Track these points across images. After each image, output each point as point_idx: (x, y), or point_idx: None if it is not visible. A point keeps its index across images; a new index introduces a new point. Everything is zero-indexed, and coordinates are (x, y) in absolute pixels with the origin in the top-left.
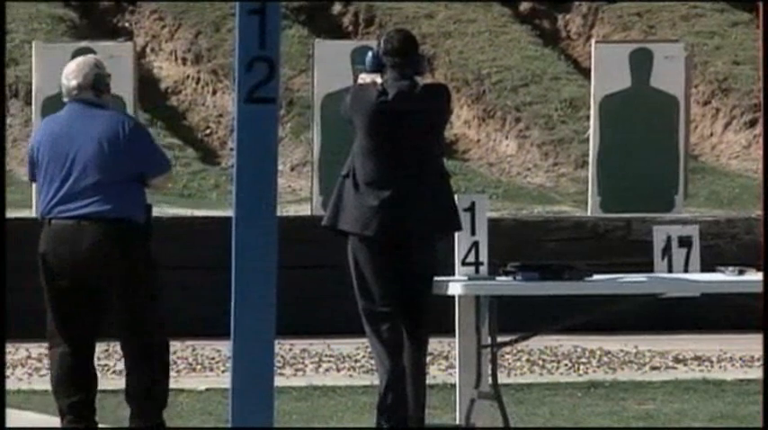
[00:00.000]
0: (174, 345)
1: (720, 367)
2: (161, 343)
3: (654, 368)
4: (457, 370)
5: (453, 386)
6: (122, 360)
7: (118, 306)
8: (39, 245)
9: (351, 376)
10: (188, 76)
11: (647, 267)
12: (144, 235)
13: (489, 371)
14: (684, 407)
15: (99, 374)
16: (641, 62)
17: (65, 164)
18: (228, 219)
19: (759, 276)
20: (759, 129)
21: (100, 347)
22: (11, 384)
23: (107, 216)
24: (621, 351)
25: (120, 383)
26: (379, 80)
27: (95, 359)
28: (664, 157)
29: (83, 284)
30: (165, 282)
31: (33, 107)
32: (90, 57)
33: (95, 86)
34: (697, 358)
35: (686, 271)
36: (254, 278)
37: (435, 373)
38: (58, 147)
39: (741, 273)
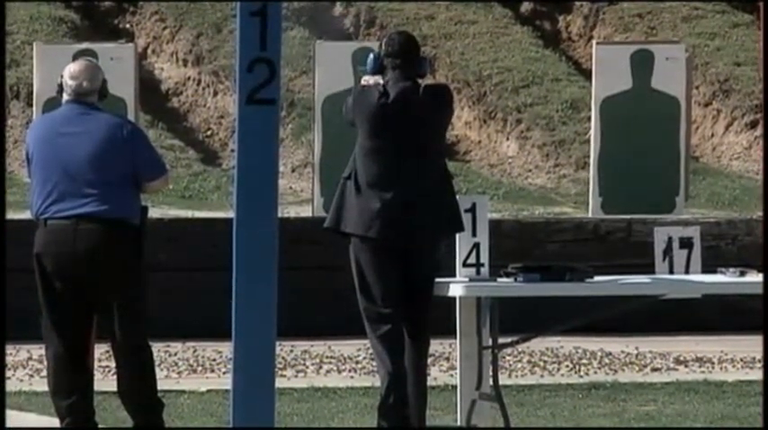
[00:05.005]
0: (176, 347)
1: (721, 368)
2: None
3: (655, 369)
4: (458, 371)
5: (454, 387)
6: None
7: (111, 306)
8: (33, 245)
9: (352, 377)
10: (189, 78)
11: (649, 268)
12: (139, 236)
13: (490, 373)
14: (685, 409)
15: (100, 375)
16: (642, 63)
17: (61, 163)
18: (229, 220)
19: (760, 277)
20: (760, 130)
21: (100, 349)
22: (12, 385)
23: (104, 216)
24: (622, 352)
25: None
26: (380, 82)
27: (96, 361)
28: (665, 159)
29: (78, 284)
30: (166, 284)
31: (34, 108)
32: (94, 61)
33: (101, 91)
34: (698, 359)
35: (687, 272)
36: (254, 279)
37: (436, 375)
38: (54, 146)
39: (742, 274)
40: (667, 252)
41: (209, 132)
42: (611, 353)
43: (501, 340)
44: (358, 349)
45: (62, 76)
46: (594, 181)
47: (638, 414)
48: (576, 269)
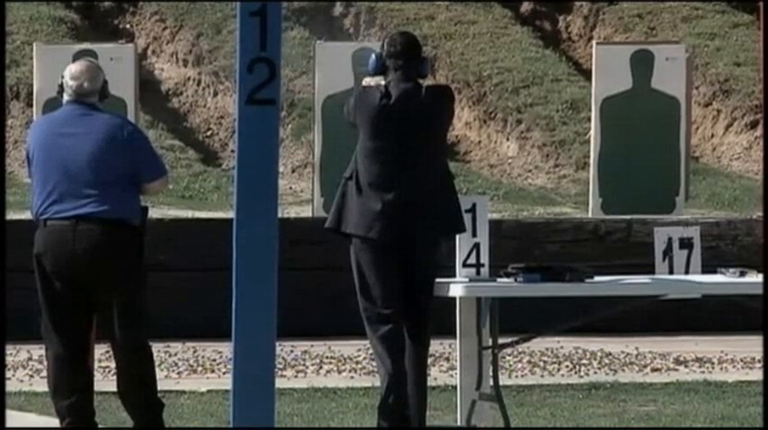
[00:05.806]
0: (176, 347)
1: (721, 369)
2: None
3: (655, 369)
4: (458, 371)
5: (454, 387)
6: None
7: (111, 306)
8: (33, 245)
9: (352, 378)
10: (189, 78)
11: (648, 269)
12: (139, 237)
13: (490, 373)
14: (685, 409)
15: (100, 376)
16: (642, 63)
17: (61, 163)
18: (229, 220)
19: (760, 278)
20: (760, 130)
21: (100, 349)
22: (12, 386)
23: (104, 216)
24: (622, 352)
25: None
26: (382, 82)
27: (96, 361)
28: (665, 159)
29: (78, 284)
30: (166, 284)
31: (34, 108)
32: (95, 61)
33: (102, 92)
34: (698, 360)
35: (687, 272)
36: (254, 279)
37: (436, 375)
38: (54, 146)
39: (742, 274)
40: (667, 252)
41: (209, 132)
42: (611, 354)
43: (501, 340)
44: (358, 349)
45: (63, 77)
46: (594, 181)
47: (638, 414)
48: (575, 269)
